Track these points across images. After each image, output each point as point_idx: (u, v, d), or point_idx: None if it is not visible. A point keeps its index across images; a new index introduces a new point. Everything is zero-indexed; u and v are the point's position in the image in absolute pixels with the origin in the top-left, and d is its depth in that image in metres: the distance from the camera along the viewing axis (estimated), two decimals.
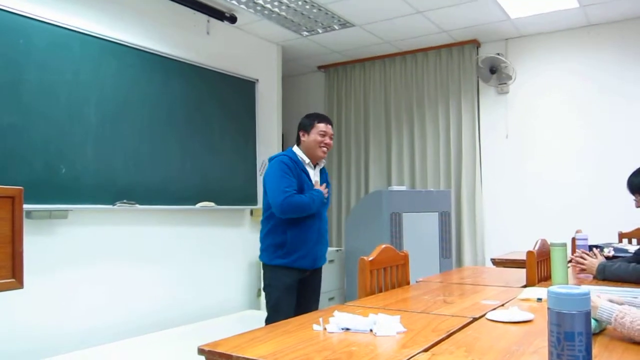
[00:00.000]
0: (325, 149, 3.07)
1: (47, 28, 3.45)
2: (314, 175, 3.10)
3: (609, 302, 1.50)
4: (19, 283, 1.37)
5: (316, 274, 3.13)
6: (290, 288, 2.96)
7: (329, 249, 5.43)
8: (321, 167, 3.19)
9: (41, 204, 3.32)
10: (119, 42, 3.89)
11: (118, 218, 3.91)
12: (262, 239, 3.05)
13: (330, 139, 3.09)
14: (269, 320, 2.91)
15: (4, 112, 3.20)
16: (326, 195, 3.08)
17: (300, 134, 3.10)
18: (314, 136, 3.04)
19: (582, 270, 2.75)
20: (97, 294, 3.73)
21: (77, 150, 3.57)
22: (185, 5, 4.39)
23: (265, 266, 3.03)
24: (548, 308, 1.09)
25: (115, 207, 3.78)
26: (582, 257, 2.77)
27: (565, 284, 2.43)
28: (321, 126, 3.05)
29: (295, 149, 3.10)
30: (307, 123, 3.09)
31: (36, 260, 3.33)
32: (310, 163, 3.08)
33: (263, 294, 3.13)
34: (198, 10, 4.51)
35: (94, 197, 3.65)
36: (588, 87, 5.08)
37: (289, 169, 2.93)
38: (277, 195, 2.88)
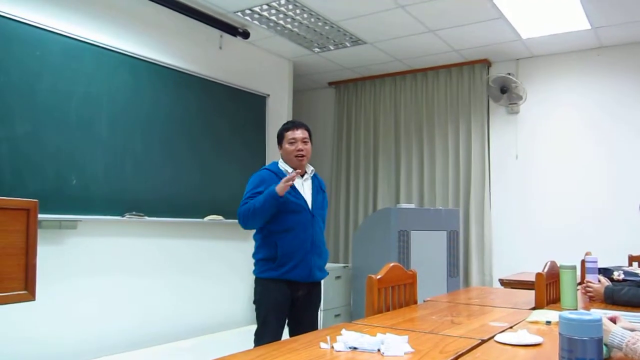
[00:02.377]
0: (300, 156, 2.91)
1: (62, 40, 3.50)
2: (302, 183, 2.95)
3: (621, 326, 1.49)
4: (31, 295, 1.38)
5: (314, 290, 2.97)
6: (282, 304, 2.83)
7: (336, 265, 5.43)
8: (311, 174, 3.02)
9: (51, 214, 3.34)
10: (132, 55, 3.94)
11: (127, 229, 3.93)
12: (255, 254, 2.94)
13: (304, 143, 2.92)
14: (257, 335, 2.83)
15: (19, 121, 3.24)
16: (292, 179, 2.73)
17: (278, 147, 3.02)
18: (286, 146, 2.93)
19: (591, 297, 2.73)
20: (103, 305, 3.73)
21: (88, 161, 3.60)
22: (199, 20, 4.44)
23: (257, 280, 2.89)
24: (559, 333, 1.08)
25: (124, 218, 3.79)
26: (588, 286, 2.75)
27: (574, 307, 2.41)
28: (289, 134, 2.93)
29: (280, 161, 3.01)
30: (279, 134, 3.00)
31: (45, 270, 3.32)
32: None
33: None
34: (211, 25, 4.56)
35: (103, 208, 3.67)
36: (599, 108, 5.07)
37: (262, 181, 2.85)
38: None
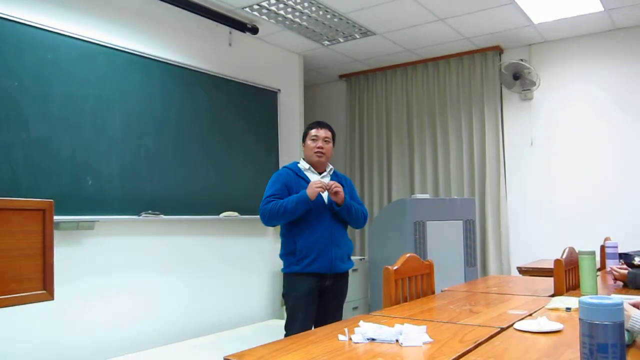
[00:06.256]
0: (319, 153, 3.04)
1: (73, 43, 3.52)
2: (319, 180, 3.00)
3: None
4: (49, 295, 1.39)
5: (340, 280, 3.05)
6: (306, 296, 2.91)
7: (353, 257, 5.40)
8: (330, 172, 3.12)
9: (68, 215, 3.37)
10: (143, 54, 3.95)
11: (143, 228, 3.96)
12: (280, 250, 3.09)
13: (325, 142, 3.06)
14: (286, 327, 2.96)
15: (33, 125, 3.27)
16: (330, 189, 2.88)
17: (302, 145, 3.16)
18: (307, 142, 3.09)
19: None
20: (122, 304, 3.77)
21: (103, 161, 3.63)
22: (207, 18, 4.44)
23: (284, 275, 3.05)
24: (580, 319, 1.07)
25: (140, 217, 3.82)
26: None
27: (594, 294, 2.39)
28: (313, 132, 3.08)
29: (301, 159, 3.16)
30: (304, 132, 3.17)
31: (63, 271, 3.37)
32: (312, 169, 3.08)
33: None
34: (220, 22, 4.56)
35: (119, 208, 3.70)
36: (614, 91, 5.00)
37: (277, 179, 3.02)
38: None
